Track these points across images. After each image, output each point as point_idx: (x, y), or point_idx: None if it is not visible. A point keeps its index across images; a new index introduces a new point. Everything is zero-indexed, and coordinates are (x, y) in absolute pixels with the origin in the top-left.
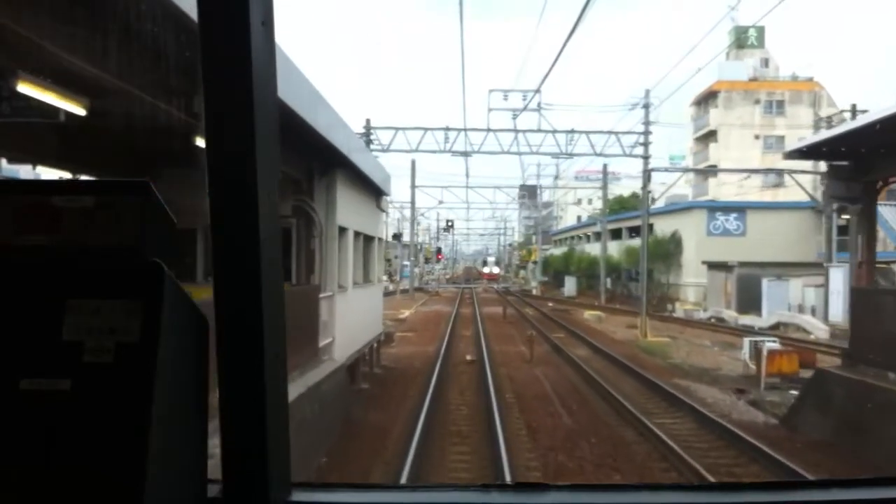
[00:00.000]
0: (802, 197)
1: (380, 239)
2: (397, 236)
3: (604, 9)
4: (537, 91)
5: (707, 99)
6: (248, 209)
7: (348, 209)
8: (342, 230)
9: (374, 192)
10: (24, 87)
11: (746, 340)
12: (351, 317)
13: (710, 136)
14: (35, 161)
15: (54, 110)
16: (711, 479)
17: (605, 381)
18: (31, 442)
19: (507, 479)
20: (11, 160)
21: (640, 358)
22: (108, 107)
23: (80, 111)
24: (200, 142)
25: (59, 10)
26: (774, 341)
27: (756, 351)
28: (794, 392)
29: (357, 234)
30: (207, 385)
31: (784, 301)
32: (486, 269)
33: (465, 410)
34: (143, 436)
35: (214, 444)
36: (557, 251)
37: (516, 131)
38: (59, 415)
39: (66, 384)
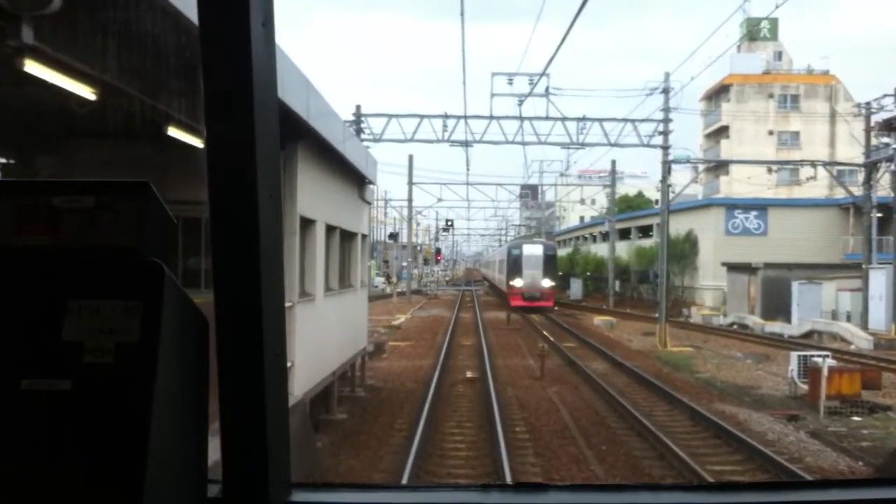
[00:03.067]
0: (819, 195)
1: (364, 236)
2: (394, 236)
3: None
4: (544, 74)
5: (718, 93)
6: (249, 210)
7: (316, 196)
8: (307, 222)
9: (354, 178)
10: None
11: (794, 355)
12: (321, 332)
13: (721, 133)
14: None
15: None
16: None
17: (634, 407)
18: (32, 442)
19: (507, 479)
20: None
21: (665, 373)
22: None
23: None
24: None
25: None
26: (828, 356)
27: (807, 368)
28: (858, 418)
29: (331, 228)
30: (207, 385)
31: (816, 306)
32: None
33: (465, 453)
34: (143, 436)
35: (214, 445)
36: (561, 252)
37: (521, 118)
38: (60, 415)
39: (66, 384)
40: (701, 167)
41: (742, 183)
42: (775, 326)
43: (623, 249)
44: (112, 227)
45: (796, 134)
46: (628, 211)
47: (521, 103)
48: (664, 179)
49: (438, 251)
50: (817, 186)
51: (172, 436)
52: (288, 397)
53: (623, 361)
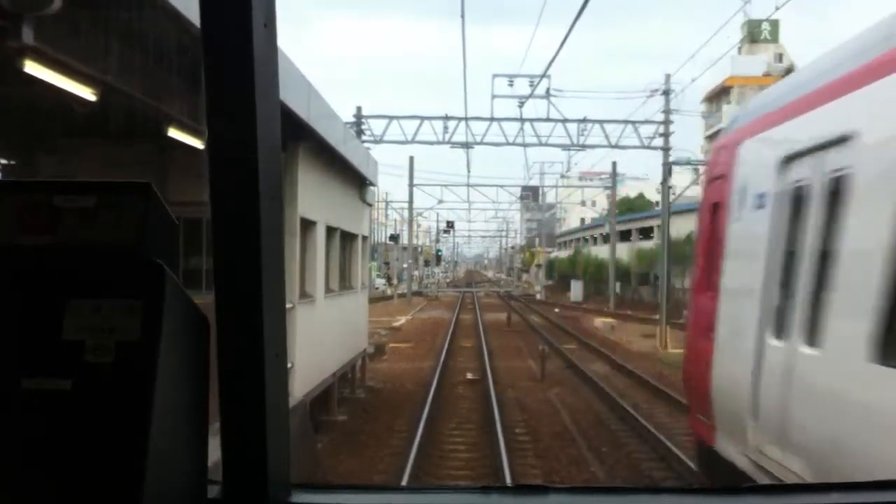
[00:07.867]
0: None
1: (365, 237)
2: (395, 237)
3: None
4: (545, 75)
5: (719, 95)
6: (250, 211)
7: (317, 198)
8: (307, 223)
9: (355, 180)
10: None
11: None
12: (321, 334)
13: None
14: None
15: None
16: None
17: (636, 411)
18: (32, 441)
19: (508, 481)
20: None
21: (666, 376)
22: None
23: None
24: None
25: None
26: None
27: None
28: None
29: (331, 229)
30: (207, 385)
31: None
32: None
33: (465, 455)
34: (143, 436)
35: (214, 445)
36: (562, 254)
37: (522, 120)
38: (60, 414)
39: (66, 384)
40: (702, 169)
41: None
42: None
43: (624, 251)
44: (113, 226)
45: None
46: (629, 213)
47: (521, 105)
48: (665, 181)
49: (439, 256)
50: None
51: (172, 436)
52: (288, 398)
53: (623, 363)
